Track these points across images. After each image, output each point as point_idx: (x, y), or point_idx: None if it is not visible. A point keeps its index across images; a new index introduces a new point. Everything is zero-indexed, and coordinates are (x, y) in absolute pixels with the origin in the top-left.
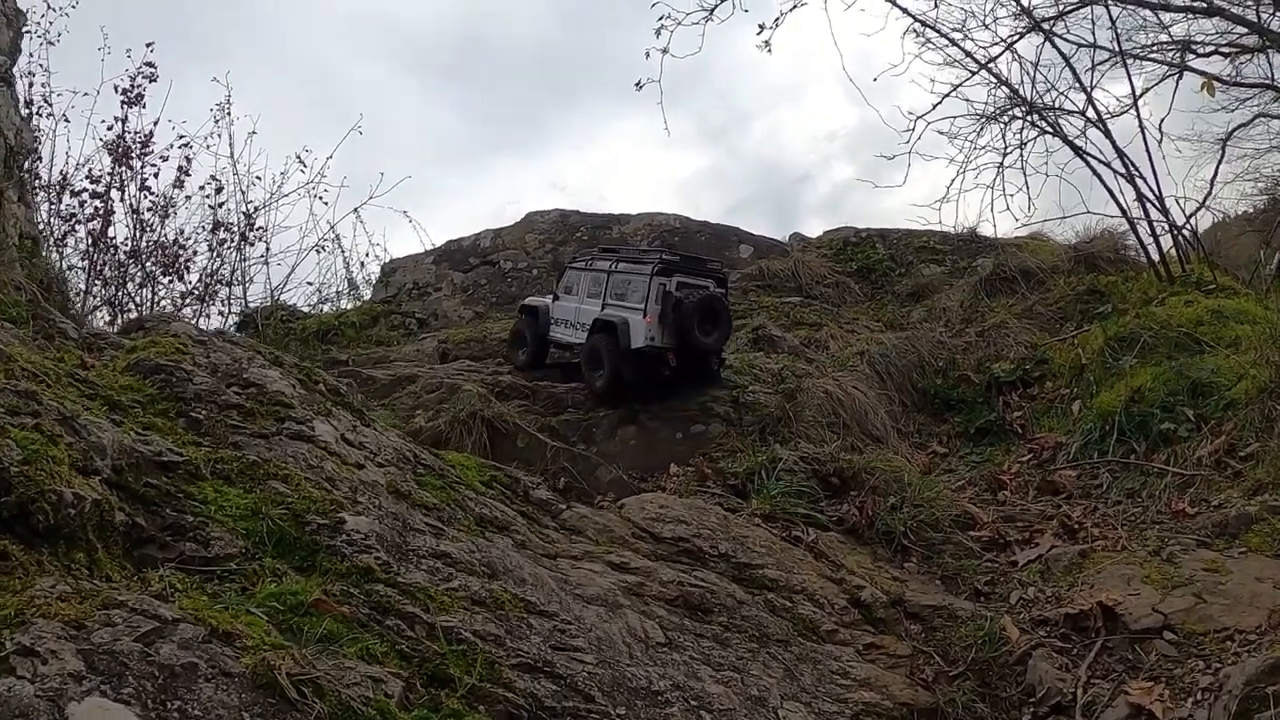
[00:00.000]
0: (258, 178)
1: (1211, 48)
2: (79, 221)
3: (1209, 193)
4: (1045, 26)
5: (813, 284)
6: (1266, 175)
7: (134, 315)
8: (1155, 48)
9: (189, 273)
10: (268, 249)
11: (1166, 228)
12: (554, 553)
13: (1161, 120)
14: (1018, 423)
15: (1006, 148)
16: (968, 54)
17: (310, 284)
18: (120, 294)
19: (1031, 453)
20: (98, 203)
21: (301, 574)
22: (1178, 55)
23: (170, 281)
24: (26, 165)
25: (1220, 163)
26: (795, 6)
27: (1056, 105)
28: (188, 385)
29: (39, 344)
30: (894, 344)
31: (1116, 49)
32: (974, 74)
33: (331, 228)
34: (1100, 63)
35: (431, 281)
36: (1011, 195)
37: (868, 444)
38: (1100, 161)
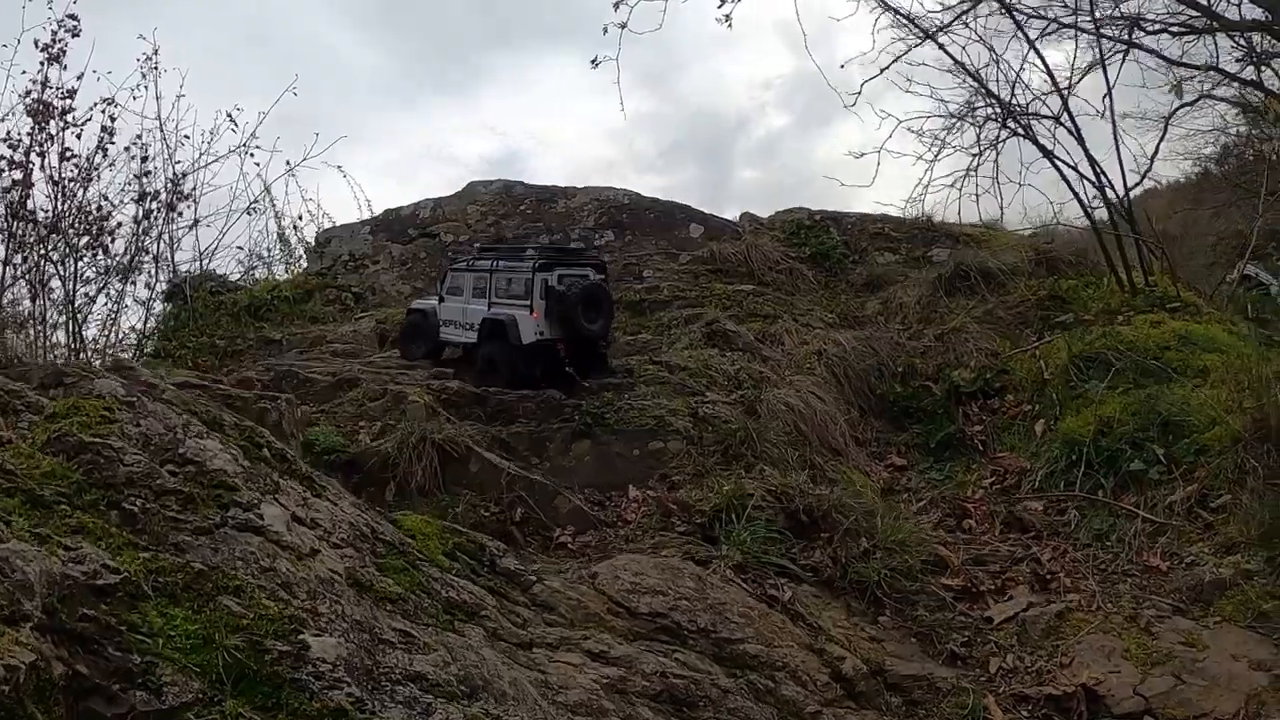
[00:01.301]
0: (186, 137)
1: (1160, 25)
2: None
3: (1148, 168)
4: None
5: (765, 270)
6: (1206, 156)
7: (58, 290)
8: (1105, 21)
9: (113, 243)
10: (196, 213)
11: (1101, 202)
12: (529, 640)
13: (1105, 95)
14: (979, 437)
15: (980, 148)
16: (911, 20)
17: (240, 248)
18: (40, 269)
19: (995, 475)
20: (17, 173)
21: (267, 715)
22: (1126, 31)
23: (95, 255)
24: None
25: (1161, 140)
26: None
27: (1029, 108)
28: (118, 467)
29: None
30: (851, 346)
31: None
32: (921, 43)
33: (266, 188)
34: (1049, 33)
35: (369, 253)
36: (976, 196)
37: (829, 458)
38: (1069, 166)
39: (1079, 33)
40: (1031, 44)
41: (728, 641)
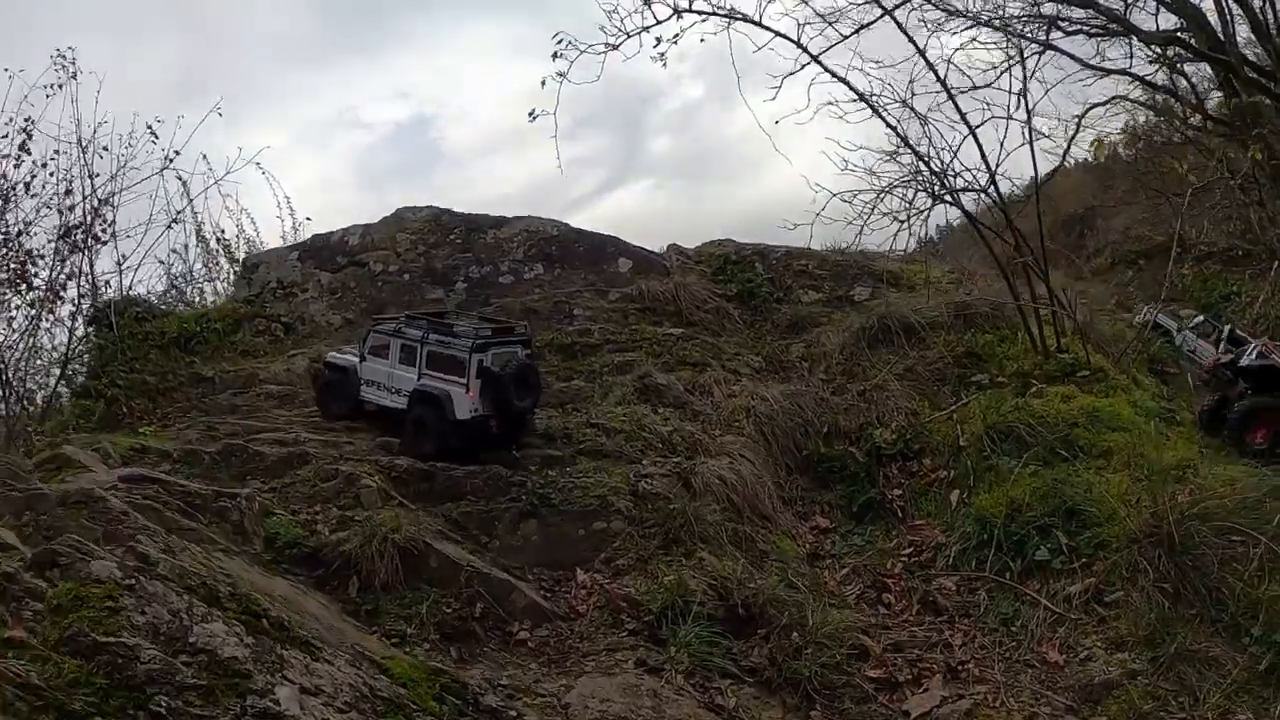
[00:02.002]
0: (105, 149)
1: (1077, 27)
2: None
3: (1060, 164)
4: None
5: (693, 309)
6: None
7: None
8: (1021, 20)
9: (35, 278)
10: (114, 226)
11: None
12: None
13: (1021, 91)
14: (898, 502)
15: (910, 211)
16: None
17: (162, 262)
18: None
19: (913, 546)
20: None
21: None
22: (1043, 30)
23: (19, 289)
24: None
25: (1074, 138)
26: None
27: (958, 179)
28: (136, 666)
29: None
30: (779, 404)
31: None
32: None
33: (189, 201)
34: (968, 28)
35: (297, 281)
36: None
37: (760, 525)
38: (991, 231)
39: (999, 30)
40: (963, 117)
41: None
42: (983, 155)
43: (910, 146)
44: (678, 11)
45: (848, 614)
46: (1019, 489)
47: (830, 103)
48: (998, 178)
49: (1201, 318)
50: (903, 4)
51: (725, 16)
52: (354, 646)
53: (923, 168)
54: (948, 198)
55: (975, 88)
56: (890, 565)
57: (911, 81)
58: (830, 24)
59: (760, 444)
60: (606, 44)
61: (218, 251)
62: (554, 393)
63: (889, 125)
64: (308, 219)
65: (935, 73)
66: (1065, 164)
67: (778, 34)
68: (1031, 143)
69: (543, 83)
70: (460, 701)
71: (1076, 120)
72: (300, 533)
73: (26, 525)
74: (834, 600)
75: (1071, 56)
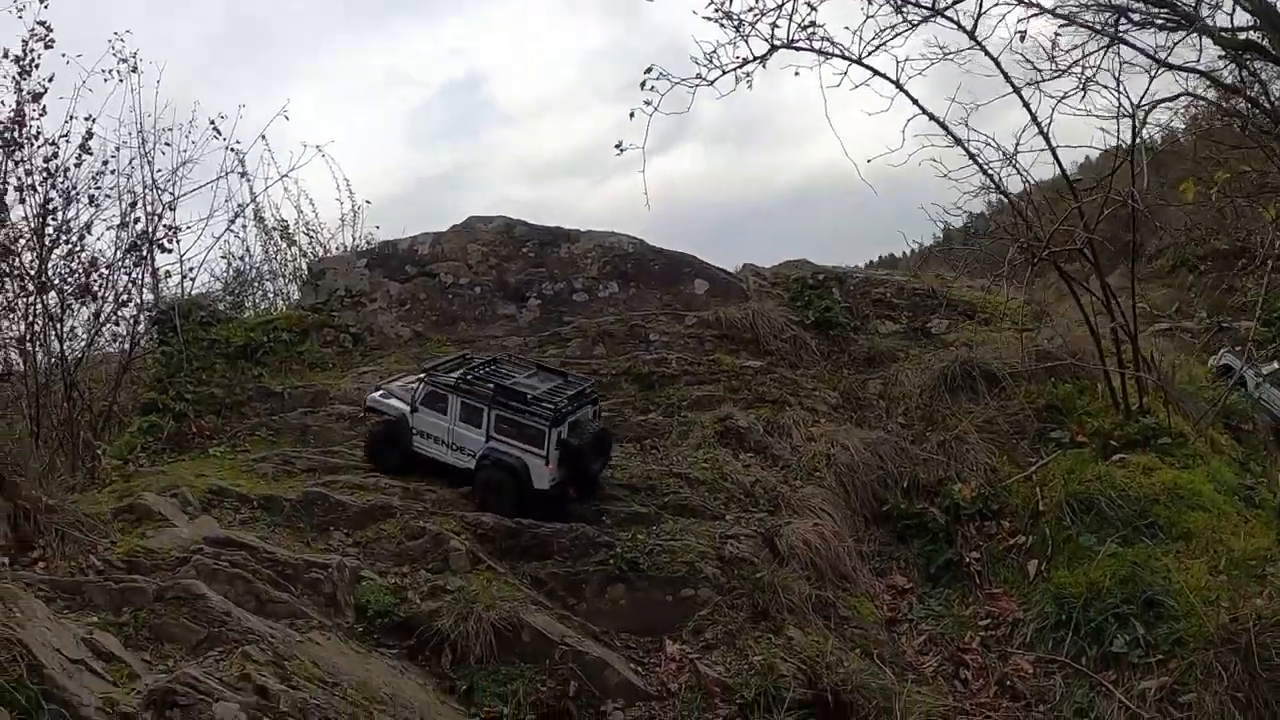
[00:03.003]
0: (167, 144)
1: (1145, 19)
2: None
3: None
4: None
5: (770, 338)
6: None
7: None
8: (1090, 6)
9: (102, 291)
10: (178, 238)
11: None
12: None
13: (1086, 81)
14: (975, 565)
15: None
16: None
17: (224, 257)
18: (38, 328)
19: (990, 618)
20: None
21: None
22: (1112, 22)
23: (83, 302)
24: None
25: (1138, 132)
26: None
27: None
28: None
29: None
30: (859, 453)
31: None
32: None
33: (254, 200)
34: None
35: (366, 290)
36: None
37: (840, 587)
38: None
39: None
40: (1072, 187)
41: None
42: (1082, 217)
43: (1003, 192)
44: (774, 48)
45: (929, 695)
46: (1099, 571)
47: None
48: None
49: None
50: None
51: (821, 54)
52: None
53: (1020, 222)
54: (1044, 257)
55: (1040, 80)
56: (968, 638)
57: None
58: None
59: (840, 495)
60: (699, 77)
61: (275, 232)
62: (631, 425)
63: (982, 170)
64: (367, 202)
65: (999, 66)
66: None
67: (877, 73)
68: (1135, 152)
69: (631, 115)
70: None
71: (1143, 113)
72: (391, 600)
73: (126, 625)
74: (914, 675)
75: (1140, 50)
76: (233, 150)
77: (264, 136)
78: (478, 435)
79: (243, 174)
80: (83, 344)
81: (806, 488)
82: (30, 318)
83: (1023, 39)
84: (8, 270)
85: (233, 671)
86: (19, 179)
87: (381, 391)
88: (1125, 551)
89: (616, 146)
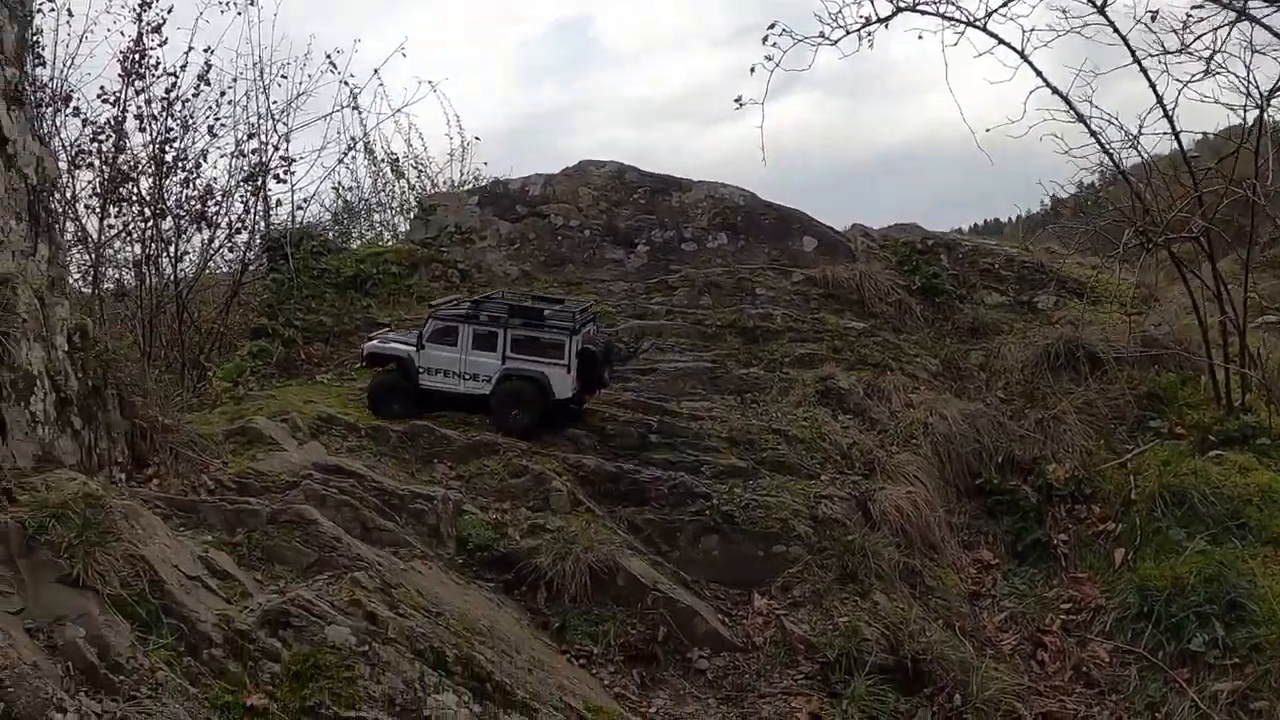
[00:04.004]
0: (283, 76)
1: None
2: (92, 164)
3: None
4: None
5: (876, 300)
6: None
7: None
8: None
9: (219, 219)
10: (292, 170)
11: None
12: None
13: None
14: (1062, 548)
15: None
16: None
17: (335, 188)
18: (153, 251)
19: (1072, 602)
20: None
21: None
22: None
23: (200, 227)
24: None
25: (1261, 118)
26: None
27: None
28: None
29: (184, 663)
30: (956, 424)
31: None
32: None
33: (366, 135)
34: None
35: (476, 227)
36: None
37: (928, 556)
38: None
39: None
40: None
41: None
42: (1200, 203)
43: (1123, 174)
44: (899, 9)
45: (1005, 673)
46: (1185, 566)
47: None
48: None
49: None
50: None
51: (945, 18)
52: (564, 699)
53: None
54: (1158, 243)
55: (1165, 54)
56: (1048, 620)
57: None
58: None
59: (934, 465)
60: (821, 35)
61: (385, 165)
62: (733, 378)
63: (1104, 150)
64: (476, 139)
65: (1128, 45)
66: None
67: (1002, 41)
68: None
69: (752, 70)
70: None
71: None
72: (491, 535)
73: (240, 545)
74: (992, 651)
75: (1273, 31)
76: (346, 84)
77: (377, 72)
78: (493, 359)
79: (356, 108)
80: (194, 268)
81: (902, 454)
82: (146, 241)
83: (1154, 18)
84: (126, 195)
85: (343, 596)
86: (139, 108)
87: (377, 340)
88: (1213, 550)
89: (736, 101)
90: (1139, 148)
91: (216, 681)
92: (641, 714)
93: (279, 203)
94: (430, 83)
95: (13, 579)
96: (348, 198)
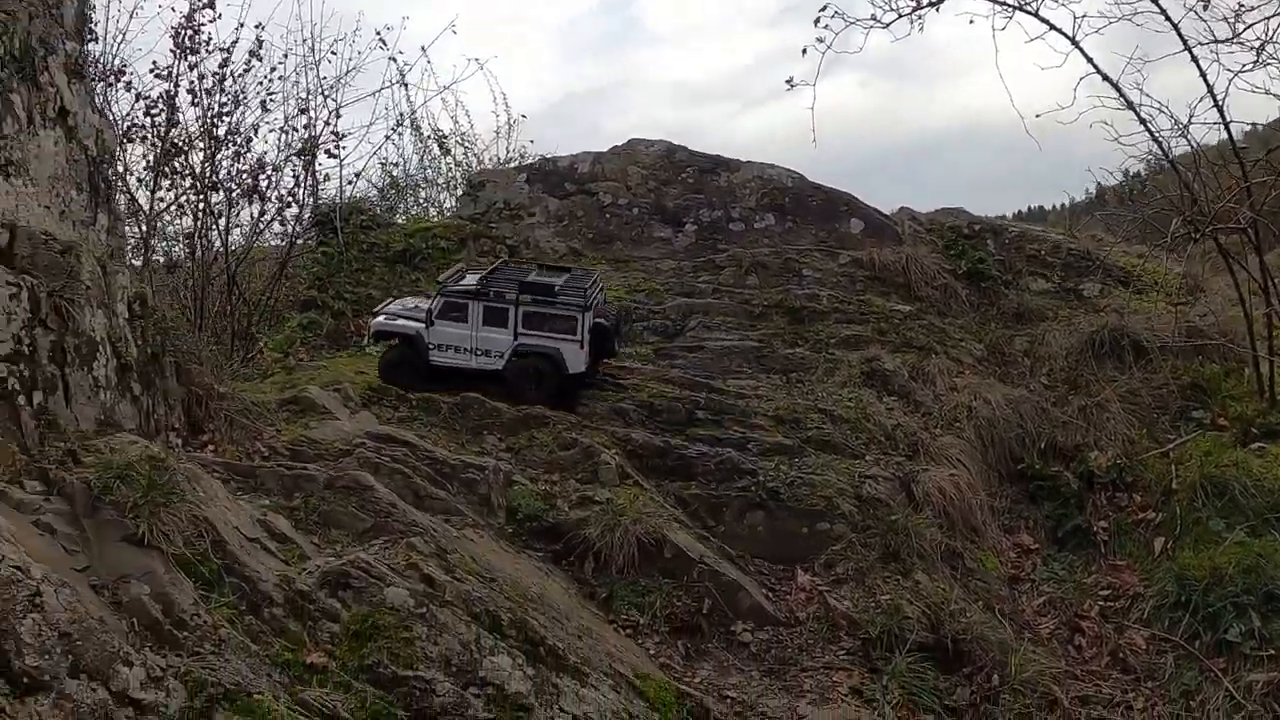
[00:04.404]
0: (334, 52)
1: None
2: (145, 137)
3: None
4: None
5: (922, 284)
6: None
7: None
8: None
9: (270, 193)
10: (340, 145)
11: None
12: None
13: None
14: (1102, 535)
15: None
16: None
17: (383, 163)
18: (204, 224)
19: (1110, 589)
20: (161, 114)
21: None
22: None
23: (252, 199)
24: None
25: None
26: None
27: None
28: (432, 699)
29: (246, 621)
30: (1000, 408)
31: None
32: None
33: (413, 112)
34: None
35: (524, 204)
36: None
37: (969, 539)
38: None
39: None
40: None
41: None
42: (1248, 194)
43: (1171, 163)
44: None
45: (1042, 656)
46: (1224, 557)
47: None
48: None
49: None
50: None
51: (998, 3)
52: (612, 663)
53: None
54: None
55: (1216, 43)
56: (1087, 606)
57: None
58: None
59: (977, 448)
60: (873, 18)
61: (432, 142)
62: (779, 357)
63: (1153, 139)
64: (522, 116)
65: (1179, 31)
66: None
67: (1053, 27)
68: None
69: (803, 51)
70: None
71: None
72: (541, 506)
73: (297, 509)
74: (1030, 634)
75: None
76: (394, 61)
77: (425, 50)
78: (504, 335)
79: (404, 85)
80: (245, 241)
81: (946, 437)
82: (198, 215)
83: (1205, 7)
84: (178, 169)
85: (399, 560)
86: (191, 82)
87: (383, 317)
88: (1252, 541)
89: (787, 82)
90: (1188, 137)
91: (277, 639)
92: (686, 683)
93: (327, 177)
94: (477, 60)
95: (78, 538)
96: (394, 174)
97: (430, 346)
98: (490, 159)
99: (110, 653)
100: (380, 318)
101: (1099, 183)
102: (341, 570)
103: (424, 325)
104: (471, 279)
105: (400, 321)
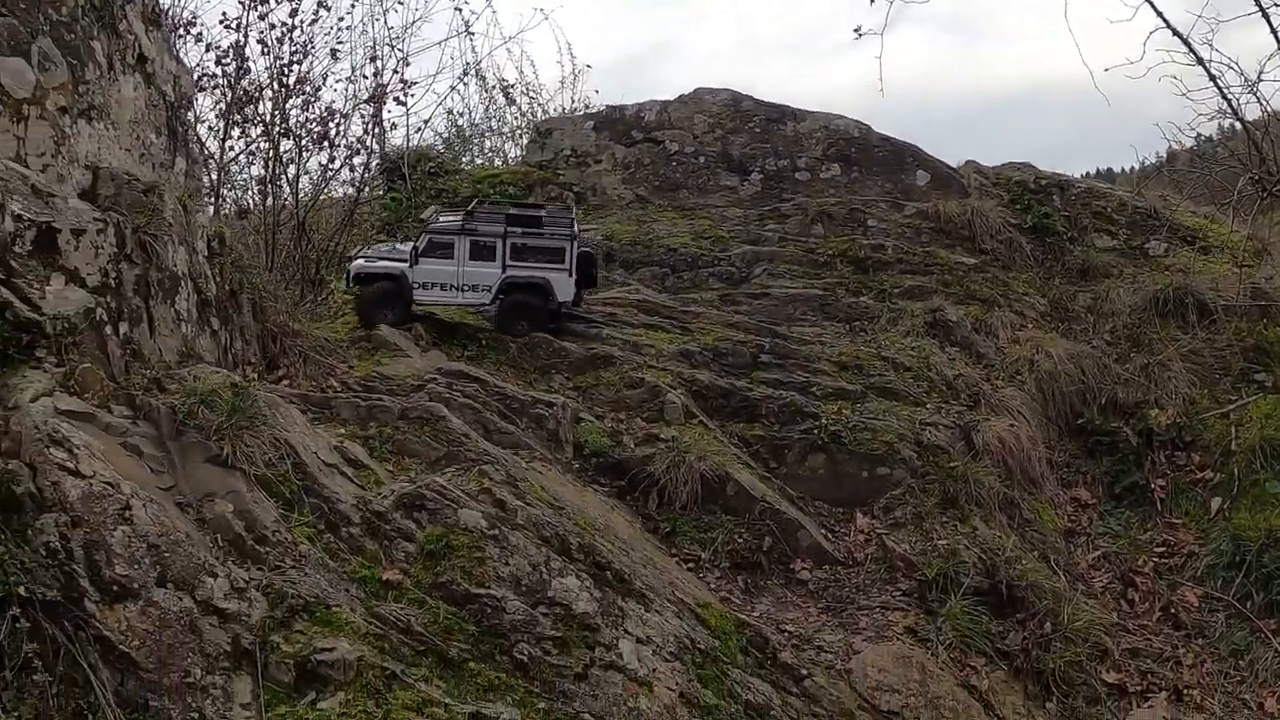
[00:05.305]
0: (400, 2)
1: None
2: (218, 85)
3: None
4: None
5: (986, 237)
6: None
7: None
8: None
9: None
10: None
11: None
12: None
13: None
14: (1159, 492)
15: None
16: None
17: (450, 112)
18: (274, 173)
19: (1165, 546)
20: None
21: None
22: None
23: (322, 146)
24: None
25: None
26: None
27: None
28: (503, 615)
29: (325, 539)
30: (1061, 363)
31: None
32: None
33: (479, 61)
34: None
35: (591, 151)
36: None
37: (1027, 490)
38: None
39: None
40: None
41: None
42: None
43: (1240, 118)
44: None
45: (1095, 608)
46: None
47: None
48: None
49: None
50: None
51: None
52: (675, 592)
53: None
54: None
55: None
56: (1141, 562)
57: None
58: None
59: (1038, 402)
60: None
61: (497, 92)
62: (842, 306)
63: (1222, 95)
64: (587, 66)
65: None
66: None
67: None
68: None
69: (871, 0)
70: (761, 654)
71: None
72: (607, 442)
73: (372, 438)
74: (1084, 588)
75: None
76: (459, 11)
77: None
78: (492, 269)
79: (469, 34)
80: (314, 188)
81: (1007, 389)
82: (268, 162)
83: None
84: (249, 117)
85: (472, 485)
86: (261, 32)
87: (362, 260)
88: None
89: (855, 31)
90: (1258, 95)
91: (354, 557)
92: (746, 615)
93: (393, 126)
94: (542, 10)
95: (164, 459)
96: (459, 124)
97: (415, 286)
98: (555, 109)
99: (196, 564)
100: (359, 261)
101: (1170, 144)
102: (417, 493)
103: (408, 265)
104: (451, 217)
105: (382, 263)
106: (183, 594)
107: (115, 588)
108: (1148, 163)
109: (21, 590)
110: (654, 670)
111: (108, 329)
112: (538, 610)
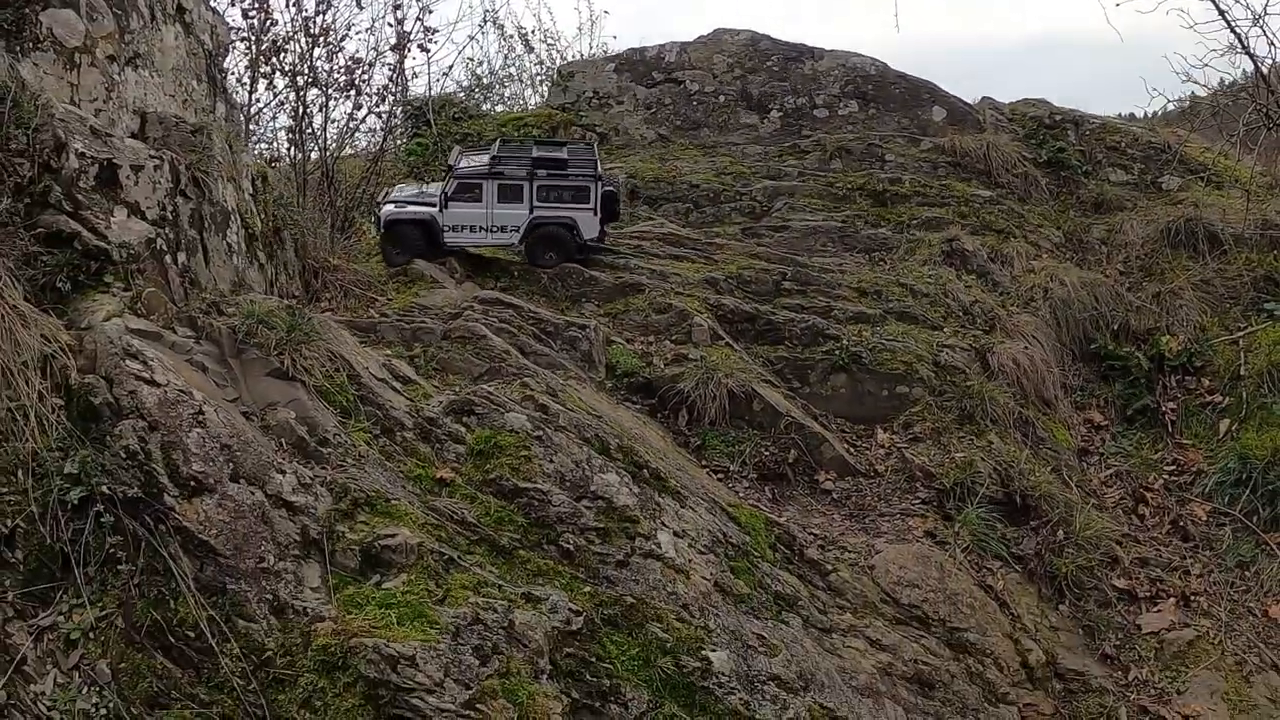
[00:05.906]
0: None
1: None
2: (243, 38)
3: None
4: None
5: (1002, 170)
6: None
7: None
8: None
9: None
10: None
11: None
12: (829, 626)
13: None
14: (1170, 415)
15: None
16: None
17: (470, 59)
18: (302, 123)
19: (1175, 465)
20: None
21: (694, 717)
22: None
23: (349, 95)
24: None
25: None
26: None
27: None
28: (549, 508)
29: (381, 443)
30: (1075, 290)
31: None
32: None
33: (495, 8)
34: None
35: (613, 93)
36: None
37: (1041, 410)
38: None
39: None
40: None
41: (956, 630)
42: None
43: (1247, 51)
44: None
45: (1106, 520)
46: None
47: None
48: None
49: None
50: None
51: None
52: (707, 493)
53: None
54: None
55: None
56: (1151, 479)
57: None
58: None
59: (1052, 328)
60: None
61: (515, 39)
62: (861, 237)
63: (1229, 27)
64: (605, 12)
65: None
66: None
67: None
68: None
69: None
70: (789, 550)
71: None
72: (638, 363)
73: (417, 357)
74: (1096, 502)
75: None
76: None
77: None
78: (520, 210)
79: None
80: (341, 136)
81: (1022, 315)
82: (299, 111)
83: None
84: (277, 68)
85: (516, 394)
86: None
87: (392, 205)
88: None
89: None
90: (1264, 28)
91: (409, 458)
92: (774, 516)
93: (415, 75)
94: None
95: (227, 375)
96: (478, 72)
97: (445, 229)
98: (574, 55)
99: (265, 462)
100: (389, 207)
101: (1192, 93)
102: (465, 399)
103: (437, 209)
104: (475, 159)
105: (411, 208)
106: (254, 489)
107: (193, 483)
108: (1170, 110)
109: (104, 489)
110: (690, 560)
111: (167, 258)
112: (581, 503)
